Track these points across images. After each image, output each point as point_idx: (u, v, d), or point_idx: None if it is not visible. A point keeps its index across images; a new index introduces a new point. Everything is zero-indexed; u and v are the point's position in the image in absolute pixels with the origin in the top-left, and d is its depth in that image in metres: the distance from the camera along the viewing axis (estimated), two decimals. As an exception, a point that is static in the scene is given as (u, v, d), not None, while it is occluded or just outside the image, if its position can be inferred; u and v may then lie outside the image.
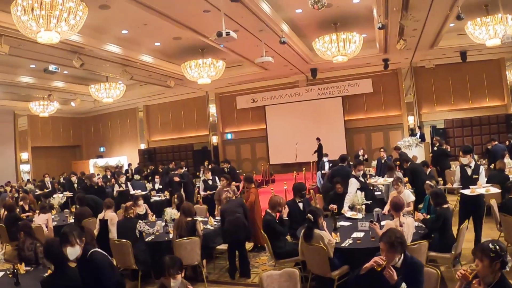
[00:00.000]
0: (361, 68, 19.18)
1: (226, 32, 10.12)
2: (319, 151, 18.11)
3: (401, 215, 6.01)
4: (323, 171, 14.35)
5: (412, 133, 18.26)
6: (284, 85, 21.08)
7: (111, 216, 7.90)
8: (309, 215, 6.11)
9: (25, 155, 23.50)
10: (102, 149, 26.50)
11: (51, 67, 14.70)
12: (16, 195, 15.49)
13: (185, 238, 6.98)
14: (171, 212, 8.44)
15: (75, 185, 14.59)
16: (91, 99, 20.07)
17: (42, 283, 4.47)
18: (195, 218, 7.42)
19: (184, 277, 7.28)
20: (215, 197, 9.88)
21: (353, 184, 8.33)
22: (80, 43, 12.45)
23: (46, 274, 4.88)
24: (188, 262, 6.91)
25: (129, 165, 21.61)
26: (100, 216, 8.57)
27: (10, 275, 5.61)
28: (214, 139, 22.67)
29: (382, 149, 14.00)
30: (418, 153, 15.62)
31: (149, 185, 14.33)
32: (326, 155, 15.48)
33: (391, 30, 13.35)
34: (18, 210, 11.48)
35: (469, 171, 7.80)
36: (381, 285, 4.04)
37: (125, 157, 24.01)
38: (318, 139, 18.47)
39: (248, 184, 9.44)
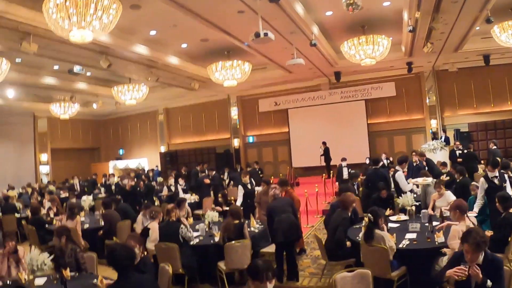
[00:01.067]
0: (384, 72, 18.99)
1: (264, 33, 10.01)
2: (326, 155, 17.99)
3: (465, 217, 5.78)
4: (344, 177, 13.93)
5: (434, 136, 18.14)
6: (307, 88, 20.95)
7: (154, 228, 7.70)
8: (369, 215, 6.01)
9: (44, 157, 23.45)
10: (121, 152, 26.45)
11: (76, 68, 14.65)
12: (39, 197, 15.35)
13: (235, 241, 6.84)
14: (212, 215, 8.29)
15: (113, 187, 14.37)
16: (112, 101, 20.03)
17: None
18: (243, 221, 7.25)
19: (233, 282, 7.25)
20: (256, 200, 9.67)
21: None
22: (108, 43, 12.29)
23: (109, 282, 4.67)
24: (238, 266, 6.83)
25: (152, 170, 21.45)
26: (140, 222, 8.53)
27: (55, 281, 5.47)
28: (236, 142, 22.53)
29: (413, 153, 13.69)
30: (442, 156, 15.40)
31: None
32: (344, 159, 15.05)
33: (419, 33, 13.17)
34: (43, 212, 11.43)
35: (496, 181, 7.65)
36: (466, 283, 4.06)
37: (146, 159, 23.91)
38: (324, 143, 18.40)
39: (285, 187, 9.22)
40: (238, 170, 16.57)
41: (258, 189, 10.60)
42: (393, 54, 15.68)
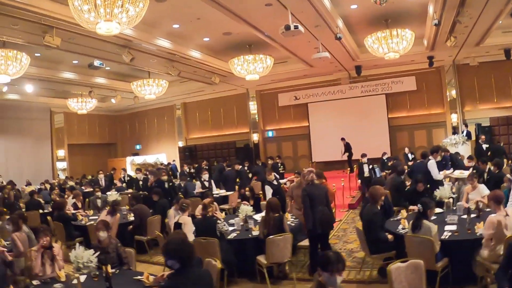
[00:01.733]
0: (404, 66, 18.76)
1: (294, 26, 9.86)
2: (348, 150, 17.92)
3: (502, 207, 5.72)
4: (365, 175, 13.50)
5: (454, 131, 18.01)
6: (326, 82, 20.75)
7: (186, 220, 7.54)
8: (419, 205, 6.00)
9: (61, 153, 23.42)
10: (138, 147, 26.36)
11: (96, 62, 14.44)
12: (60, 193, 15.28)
13: (277, 234, 6.70)
14: (247, 209, 8.12)
15: (140, 183, 14.22)
16: (131, 96, 19.97)
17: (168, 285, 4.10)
18: (282, 214, 7.10)
19: (272, 276, 7.10)
20: (288, 193, 9.50)
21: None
22: (131, 36, 12.14)
23: (167, 273, 4.45)
24: (279, 259, 6.77)
25: (168, 164, 21.37)
26: (172, 217, 8.38)
27: (96, 279, 5.30)
28: (255, 137, 22.38)
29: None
30: (464, 151, 15.30)
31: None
32: (364, 155, 14.16)
33: (442, 27, 12.99)
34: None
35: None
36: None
37: (164, 154, 23.75)
38: (342, 139, 18.32)
39: (320, 179, 9.07)
40: (260, 164, 16.31)
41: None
42: (414, 48, 15.34)
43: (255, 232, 7.33)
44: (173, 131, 25.13)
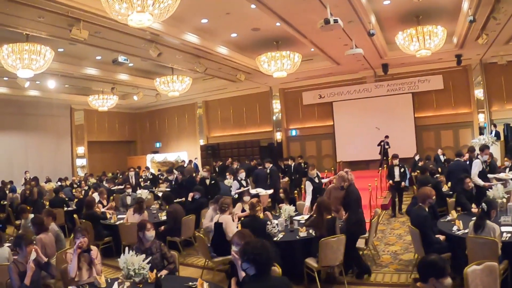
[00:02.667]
0: (431, 64, 18.25)
1: (334, 20, 9.49)
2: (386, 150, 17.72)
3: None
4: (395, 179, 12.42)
5: (481, 131, 17.82)
6: (351, 81, 20.33)
7: (227, 220, 7.19)
8: (483, 204, 5.83)
9: (81, 150, 23.27)
10: (158, 145, 26.12)
11: (121, 58, 14.26)
12: (85, 188, 15.03)
13: (331, 236, 6.37)
14: (289, 209, 7.77)
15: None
16: (153, 93, 19.74)
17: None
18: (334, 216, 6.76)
19: (324, 278, 6.75)
20: (325, 195, 9.07)
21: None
22: (160, 30, 11.89)
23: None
24: (331, 262, 6.47)
25: (190, 161, 21.06)
26: (209, 217, 8.13)
27: (140, 285, 4.76)
28: (278, 136, 22.01)
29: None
30: (493, 151, 14.58)
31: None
32: (395, 156, 12.99)
33: (475, 24, 12.48)
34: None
35: None
36: None
37: (185, 152, 23.42)
38: (386, 136, 18.10)
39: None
40: (289, 163, 15.90)
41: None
42: (443, 45, 15.02)
43: (303, 234, 7.02)
44: (194, 129, 24.84)
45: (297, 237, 6.98)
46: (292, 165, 15.74)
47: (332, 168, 17.17)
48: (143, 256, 4.89)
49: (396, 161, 12.65)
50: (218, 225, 7.21)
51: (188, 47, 13.79)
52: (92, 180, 17.72)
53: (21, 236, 5.51)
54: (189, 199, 10.40)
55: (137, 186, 14.77)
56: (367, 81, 20.01)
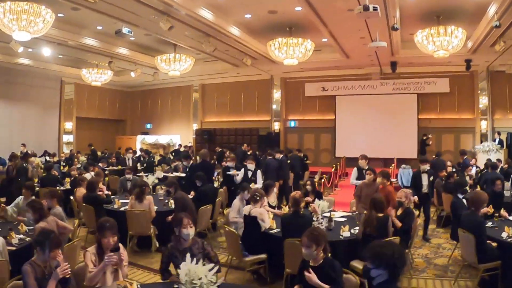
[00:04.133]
0: (439, 67, 18.02)
1: (373, 7, 8.89)
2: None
3: None
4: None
5: (482, 139, 17.93)
6: (356, 76, 19.86)
7: (263, 214, 6.54)
8: None
9: (68, 125, 22.31)
10: (148, 126, 25.20)
11: (125, 30, 13.32)
12: (77, 166, 14.07)
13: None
14: (323, 205, 7.16)
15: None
16: (150, 71, 18.93)
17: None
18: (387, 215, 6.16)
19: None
20: (356, 193, 8.48)
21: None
22: (174, 1, 11.10)
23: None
24: None
25: (179, 145, 20.34)
26: (236, 208, 7.58)
27: None
28: (276, 126, 21.40)
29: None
30: (495, 159, 14.73)
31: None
32: (425, 161, 9.94)
33: (495, 30, 12.15)
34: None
35: None
36: None
37: (179, 136, 22.61)
38: (424, 135, 17.95)
39: (387, 180, 8.11)
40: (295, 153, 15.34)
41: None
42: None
43: (346, 233, 6.36)
44: (188, 112, 24.01)
45: (341, 237, 6.29)
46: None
47: (339, 164, 16.58)
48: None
49: (425, 166, 9.59)
50: (251, 219, 6.54)
51: (200, 24, 12.97)
52: (82, 159, 16.81)
53: (47, 233, 4.22)
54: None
55: (134, 169, 13.57)
56: (372, 77, 19.61)
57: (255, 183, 10.10)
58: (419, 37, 12.42)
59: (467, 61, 16.44)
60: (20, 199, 7.52)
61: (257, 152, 17.34)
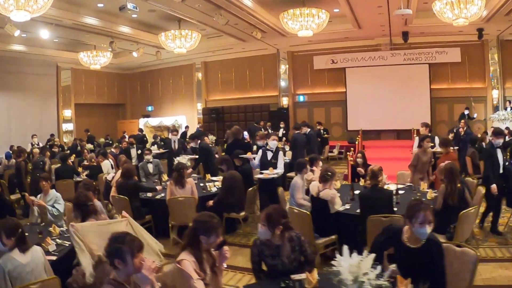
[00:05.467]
0: (450, 36, 17.65)
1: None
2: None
3: None
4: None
5: (497, 107, 17.74)
6: (365, 47, 19.31)
7: (334, 196, 5.98)
8: None
9: (67, 113, 21.41)
10: (150, 108, 24.35)
11: (130, 5, 12.56)
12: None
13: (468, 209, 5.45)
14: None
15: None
16: (152, 50, 18.14)
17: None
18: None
19: None
20: (412, 162, 7.97)
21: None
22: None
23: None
24: (466, 236, 5.76)
25: (186, 127, 19.64)
26: (300, 188, 6.79)
27: None
28: (285, 101, 20.77)
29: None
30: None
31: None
32: (499, 133, 7.51)
33: None
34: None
35: None
36: None
37: (184, 116, 21.81)
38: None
39: (446, 148, 7.67)
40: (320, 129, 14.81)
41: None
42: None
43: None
44: (191, 91, 23.21)
45: None
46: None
47: (358, 137, 16.08)
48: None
49: (499, 141, 7.25)
50: (321, 202, 5.94)
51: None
52: (89, 146, 16.05)
53: (120, 237, 3.17)
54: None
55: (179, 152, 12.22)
56: (382, 48, 19.11)
57: (275, 167, 8.38)
58: (438, 5, 11.89)
59: (479, 30, 16.16)
60: (39, 196, 6.55)
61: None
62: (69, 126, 21.40)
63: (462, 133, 12.58)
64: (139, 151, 12.59)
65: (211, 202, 7.52)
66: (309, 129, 11.77)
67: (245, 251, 6.56)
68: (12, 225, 4.07)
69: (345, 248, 3.02)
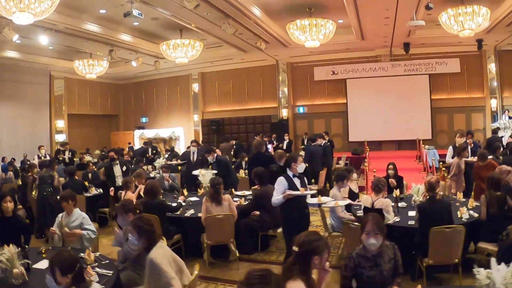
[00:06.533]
0: (449, 47, 17.88)
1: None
2: None
3: None
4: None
5: (496, 116, 17.97)
6: (365, 58, 19.44)
7: (386, 203, 5.81)
8: None
9: (60, 123, 20.76)
10: (144, 120, 23.81)
11: (135, 12, 12.21)
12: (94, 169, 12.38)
13: None
14: (422, 189, 6.43)
15: None
16: (151, 60, 17.80)
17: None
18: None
19: None
20: (454, 172, 7.86)
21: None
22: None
23: None
24: None
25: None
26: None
27: None
28: (284, 112, 20.60)
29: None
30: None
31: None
32: None
33: None
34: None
35: None
36: None
37: (181, 128, 21.45)
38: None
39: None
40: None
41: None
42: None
43: (465, 215, 6.00)
44: (187, 103, 22.76)
45: (464, 219, 5.86)
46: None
47: (367, 148, 16.04)
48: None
49: None
50: (377, 211, 5.62)
51: (222, 3, 12.01)
52: (88, 158, 15.53)
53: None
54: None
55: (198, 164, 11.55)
56: (382, 60, 19.28)
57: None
58: (444, 17, 12.21)
59: (478, 40, 16.31)
60: (61, 216, 5.76)
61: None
62: (60, 137, 20.66)
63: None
64: (125, 167, 11.26)
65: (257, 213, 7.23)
66: (324, 141, 11.51)
67: (277, 269, 6.29)
68: (68, 260, 3.33)
69: (493, 261, 2.80)
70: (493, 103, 18.39)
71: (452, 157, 9.18)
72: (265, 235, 7.42)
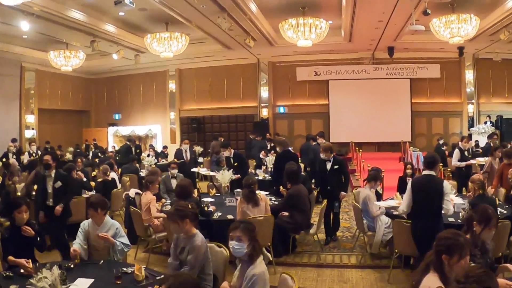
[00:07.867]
0: (431, 53, 18.56)
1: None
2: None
3: None
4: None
5: (472, 121, 18.90)
6: (347, 60, 19.64)
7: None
8: None
9: (30, 118, 19.69)
10: (117, 116, 22.92)
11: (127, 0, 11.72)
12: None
13: None
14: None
15: None
16: (131, 54, 17.21)
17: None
18: None
19: None
20: (486, 169, 7.85)
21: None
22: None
23: None
24: None
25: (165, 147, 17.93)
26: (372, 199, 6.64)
27: None
28: (265, 112, 20.40)
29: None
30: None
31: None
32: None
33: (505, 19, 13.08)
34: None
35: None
36: None
37: (159, 125, 20.80)
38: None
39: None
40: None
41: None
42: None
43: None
44: (163, 100, 22.07)
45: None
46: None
47: (358, 149, 16.26)
48: None
49: None
50: None
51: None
52: (69, 156, 14.81)
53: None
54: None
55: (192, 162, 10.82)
56: (363, 62, 19.62)
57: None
58: (436, 23, 12.56)
59: (460, 48, 16.81)
60: (86, 224, 4.97)
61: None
62: (29, 134, 19.64)
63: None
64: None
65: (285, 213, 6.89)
66: (324, 141, 11.34)
67: (312, 272, 6.33)
68: (189, 283, 2.84)
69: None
70: (470, 108, 19.18)
71: (459, 160, 9.51)
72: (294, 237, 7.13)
